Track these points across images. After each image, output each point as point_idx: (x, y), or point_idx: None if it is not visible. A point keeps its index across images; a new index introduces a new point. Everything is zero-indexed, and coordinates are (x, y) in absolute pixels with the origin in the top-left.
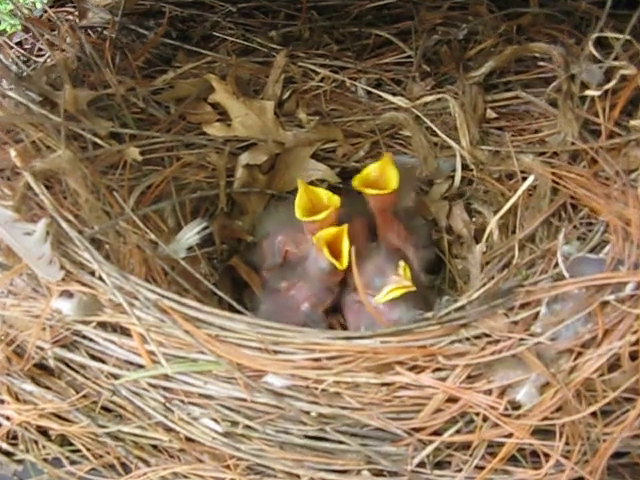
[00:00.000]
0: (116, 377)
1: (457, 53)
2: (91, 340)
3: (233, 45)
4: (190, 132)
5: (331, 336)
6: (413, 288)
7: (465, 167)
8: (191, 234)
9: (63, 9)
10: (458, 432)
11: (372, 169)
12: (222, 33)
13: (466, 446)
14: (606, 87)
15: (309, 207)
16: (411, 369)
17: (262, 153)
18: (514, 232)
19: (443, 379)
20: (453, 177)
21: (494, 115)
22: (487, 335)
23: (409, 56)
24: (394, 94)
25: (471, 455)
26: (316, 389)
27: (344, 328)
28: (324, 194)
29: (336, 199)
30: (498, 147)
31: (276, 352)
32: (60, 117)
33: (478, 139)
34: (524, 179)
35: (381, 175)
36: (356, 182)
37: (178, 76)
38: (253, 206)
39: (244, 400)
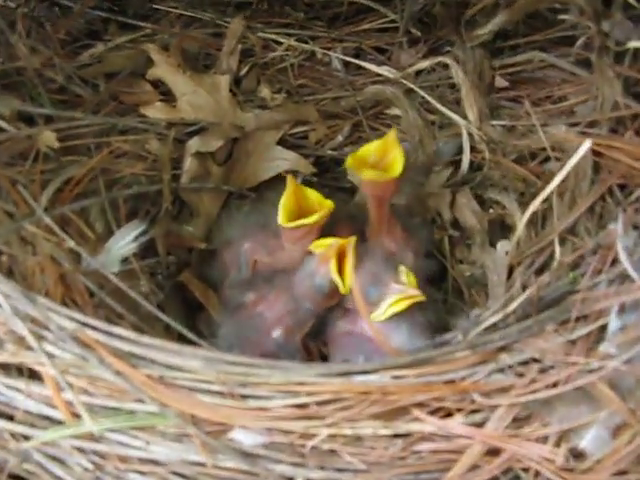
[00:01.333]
0: (27, 438)
1: (454, 11)
2: None
3: (178, 18)
4: (124, 115)
5: (322, 372)
6: (422, 297)
7: (472, 149)
8: (125, 242)
9: None
10: None
11: (372, 148)
12: (164, 5)
13: None
14: None
15: (295, 210)
16: (434, 413)
17: (216, 138)
18: (544, 225)
19: (480, 425)
20: (456, 162)
21: (505, 83)
22: (537, 361)
23: (393, 21)
24: (378, 64)
25: None
26: (303, 447)
27: (324, 360)
28: (314, 196)
29: (329, 203)
30: (514, 121)
31: (245, 397)
32: None
33: (487, 113)
34: (556, 159)
35: (383, 157)
36: (351, 161)
37: (109, 50)
38: (206, 207)
39: (202, 465)
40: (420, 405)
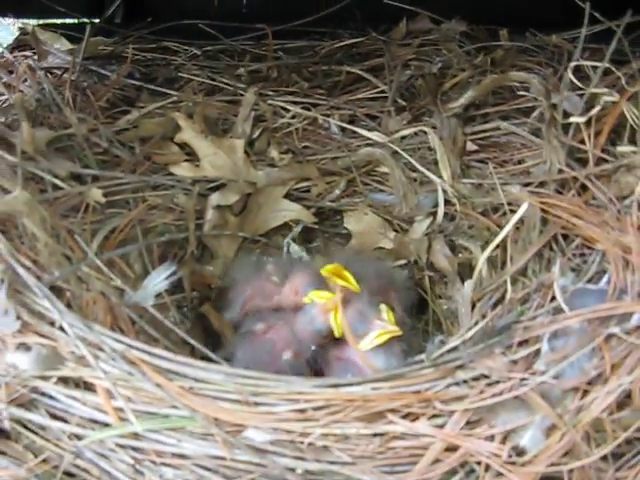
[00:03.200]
0: (80, 438)
1: (433, 85)
2: (51, 398)
3: (199, 85)
4: (156, 173)
5: (317, 384)
6: (399, 332)
7: (447, 202)
8: (159, 280)
9: (22, 53)
10: None
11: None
12: (187, 73)
13: None
14: (590, 113)
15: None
16: (405, 417)
17: (233, 193)
18: (503, 267)
19: (440, 426)
20: (434, 213)
21: (474, 147)
22: (485, 376)
23: (382, 91)
24: (369, 129)
25: None
26: (302, 443)
27: None
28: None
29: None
30: (481, 180)
31: (256, 404)
32: (17, 157)
33: (459, 172)
34: (511, 211)
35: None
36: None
37: (143, 116)
38: (224, 250)
39: (223, 459)
40: (393, 410)
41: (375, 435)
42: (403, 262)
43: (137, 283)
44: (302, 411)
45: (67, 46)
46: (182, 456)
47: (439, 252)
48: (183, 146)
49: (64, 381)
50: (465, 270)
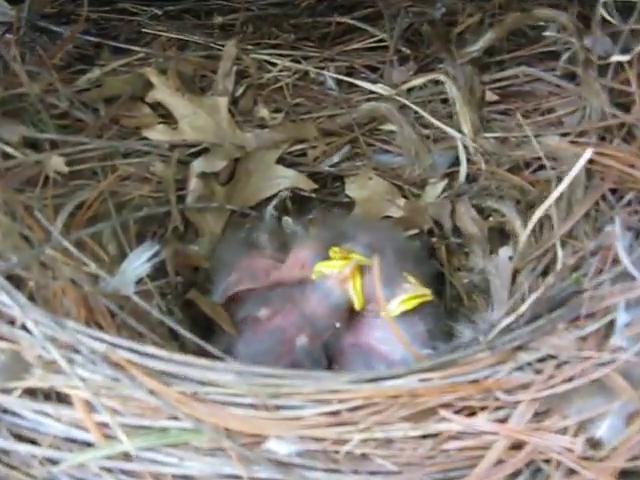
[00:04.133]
0: (54, 462)
1: (442, 30)
2: (16, 415)
3: (168, 41)
4: (126, 138)
5: (352, 379)
6: (430, 296)
7: (467, 160)
8: (139, 262)
9: None
10: None
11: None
12: (152, 30)
13: None
14: (637, 50)
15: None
16: (460, 412)
17: (219, 159)
18: (542, 230)
19: (503, 421)
20: (450, 175)
21: (495, 98)
22: (552, 357)
23: (381, 40)
24: (371, 82)
25: None
26: (336, 453)
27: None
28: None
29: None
30: (506, 133)
31: (278, 408)
32: None
33: (479, 126)
34: (542, 167)
35: None
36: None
37: (106, 74)
38: (210, 226)
39: (238, 477)
40: (446, 405)
41: (425, 437)
42: (414, 232)
43: (113, 267)
44: (335, 414)
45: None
46: (186, 477)
47: (465, 216)
48: (156, 107)
49: (31, 393)
50: (493, 237)
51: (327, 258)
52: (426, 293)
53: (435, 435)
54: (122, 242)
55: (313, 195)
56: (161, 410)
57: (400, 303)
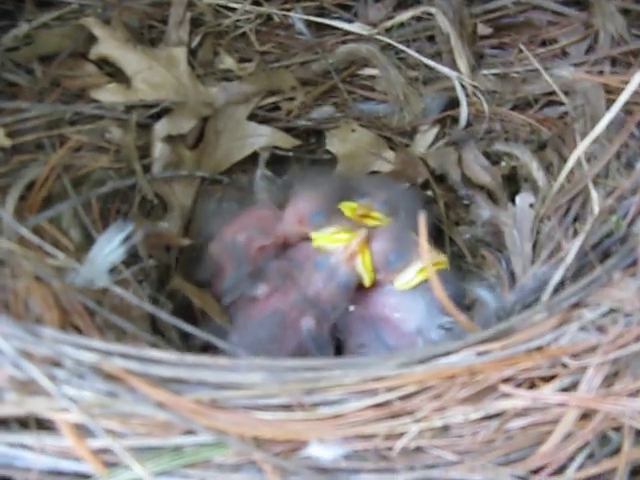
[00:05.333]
0: None
1: None
2: None
3: None
4: (71, 103)
5: (402, 361)
6: (446, 263)
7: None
8: (112, 247)
9: None
10: (591, 458)
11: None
12: None
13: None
14: None
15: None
16: (523, 385)
17: (185, 118)
18: (559, 172)
19: (571, 389)
20: (442, 120)
21: (488, 30)
22: (614, 311)
23: None
24: (347, 22)
25: None
26: (389, 450)
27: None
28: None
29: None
30: (507, 69)
31: (316, 406)
32: None
33: (474, 63)
34: (551, 103)
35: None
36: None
37: (36, 28)
38: (179, 198)
39: None
40: (508, 380)
41: (486, 418)
42: (405, 187)
43: (80, 256)
44: (385, 405)
45: None
46: None
47: (474, 163)
48: (102, 64)
49: (4, 424)
50: (511, 184)
51: (328, 214)
52: (442, 260)
53: (498, 415)
54: (86, 225)
55: (289, 154)
56: (173, 425)
57: (417, 272)
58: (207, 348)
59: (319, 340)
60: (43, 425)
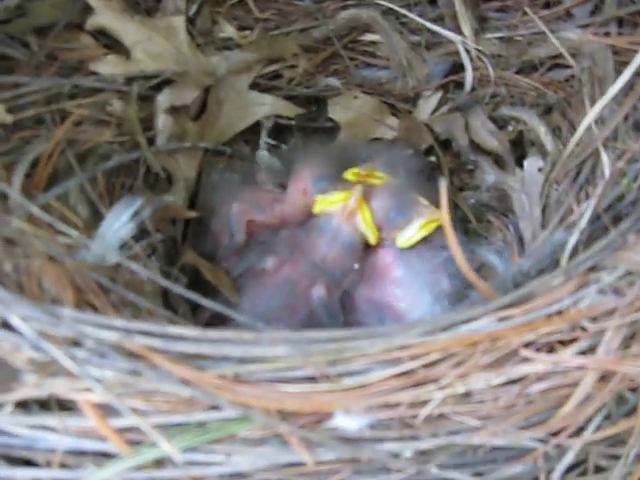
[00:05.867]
0: None
1: None
2: (8, 435)
3: None
4: (70, 76)
5: (426, 329)
6: (448, 218)
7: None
8: (121, 222)
9: None
10: (608, 419)
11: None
12: None
13: (616, 439)
14: None
15: None
16: (542, 349)
17: (188, 89)
18: (568, 136)
19: (590, 352)
20: (445, 85)
21: None
22: (631, 273)
23: None
24: None
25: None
26: (414, 418)
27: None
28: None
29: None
30: (511, 32)
31: (341, 376)
32: None
33: (478, 26)
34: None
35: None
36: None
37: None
38: (183, 170)
39: (301, 465)
40: (528, 344)
41: (508, 384)
42: (408, 154)
43: (89, 232)
44: (409, 373)
45: None
46: (236, 476)
47: (481, 129)
48: (97, 35)
49: (22, 406)
50: (518, 148)
51: (331, 181)
52: (444, 215)
53: (519, 380)
54: (93, 200)
55: (292, 122)
56: (197, 401)
57: (418, 229)
58: (214, 321)
59: (330, 308)
60: (64, 406)
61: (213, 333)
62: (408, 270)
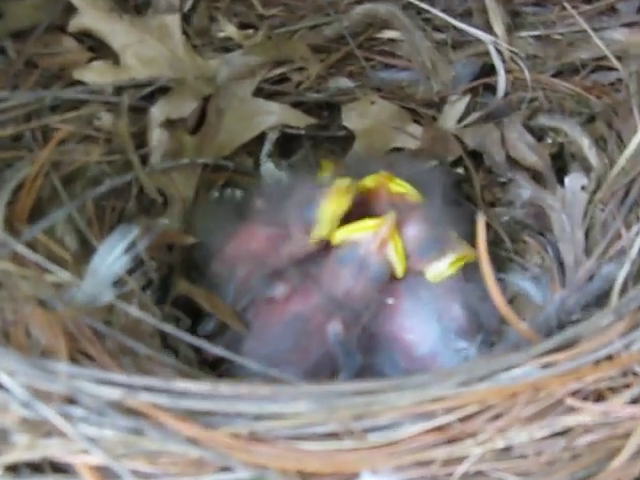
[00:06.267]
0: None
1: None
2: None
3: None
4: (51, 86)
5: (462, 379)
6: (474, 256)
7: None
8: (115, 255)
9: None
10: None
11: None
12: None
13: None
14: None
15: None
16: (588, 398)
17: (185, 99)
18: (612, 148)
19: (639, 400)
20: (474, 90)
21: None
22: None
23: None
24: None
25: None
26: (449, 476)
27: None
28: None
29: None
30: (548, 30)
31: (367, 432)
32: None
33: (511, 23)
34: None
35: None
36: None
37: (4, 0)
38: (180, 189)
39: None
40: (575, 393)
41: (553, 436)
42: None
43: (79, 268)
44: (444, 427)
45: None
46: None
47: (519, 142)
48: (82, 38)
49: (14, 470)
50: (559, 162)
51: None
52: (471, 252)
53: (564, 432)
54: (81, 229)
55: (301, 132)
56: (206, 462)
57: (449, 266)
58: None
59: (347, 347)
60: (60, 469)
61: (225, 388)
62: (413, 297)
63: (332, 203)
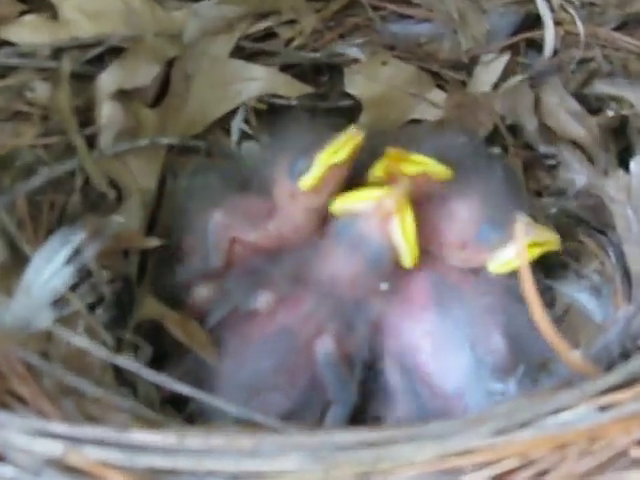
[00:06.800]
0: None
1: None
2: None
3: None
4: None
5: (498, 426)
6: (558, 244)
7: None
8: (54, 268)
9: None
10: None
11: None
12: None
13: None
14: None
15: None
16: None
17: (144, 62)
18: None
19: None
20: (514, 47)
21: None
22: None
23: None
24: None
25: None
26: None
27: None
28: None
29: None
30: None
31: None
32: None
33: None
34: None
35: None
36: None
37: None
38: (139, 178)
39: None
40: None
41: None
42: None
43: (8, 282)
44: None
45: None
46: None
47: (559, 108)
48: None
49: None
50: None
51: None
52: (552, 237)
53: None
54: (11, 233)
55: (292, 102)
56: None
57: (518, 254)
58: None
59: (340, 372)
60: None
61: (193, 439)
62: (441, 313)
63: (329, 152)
